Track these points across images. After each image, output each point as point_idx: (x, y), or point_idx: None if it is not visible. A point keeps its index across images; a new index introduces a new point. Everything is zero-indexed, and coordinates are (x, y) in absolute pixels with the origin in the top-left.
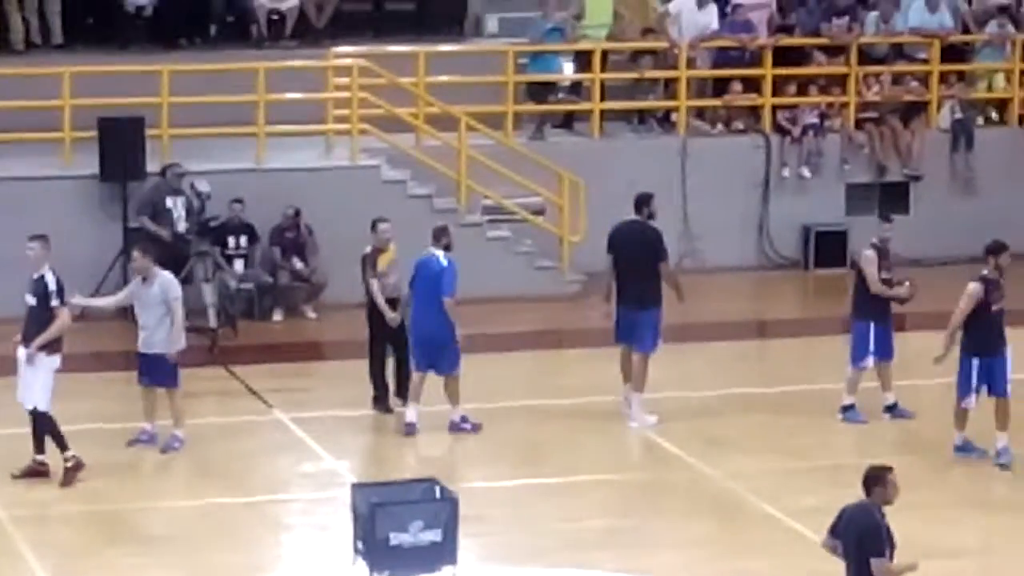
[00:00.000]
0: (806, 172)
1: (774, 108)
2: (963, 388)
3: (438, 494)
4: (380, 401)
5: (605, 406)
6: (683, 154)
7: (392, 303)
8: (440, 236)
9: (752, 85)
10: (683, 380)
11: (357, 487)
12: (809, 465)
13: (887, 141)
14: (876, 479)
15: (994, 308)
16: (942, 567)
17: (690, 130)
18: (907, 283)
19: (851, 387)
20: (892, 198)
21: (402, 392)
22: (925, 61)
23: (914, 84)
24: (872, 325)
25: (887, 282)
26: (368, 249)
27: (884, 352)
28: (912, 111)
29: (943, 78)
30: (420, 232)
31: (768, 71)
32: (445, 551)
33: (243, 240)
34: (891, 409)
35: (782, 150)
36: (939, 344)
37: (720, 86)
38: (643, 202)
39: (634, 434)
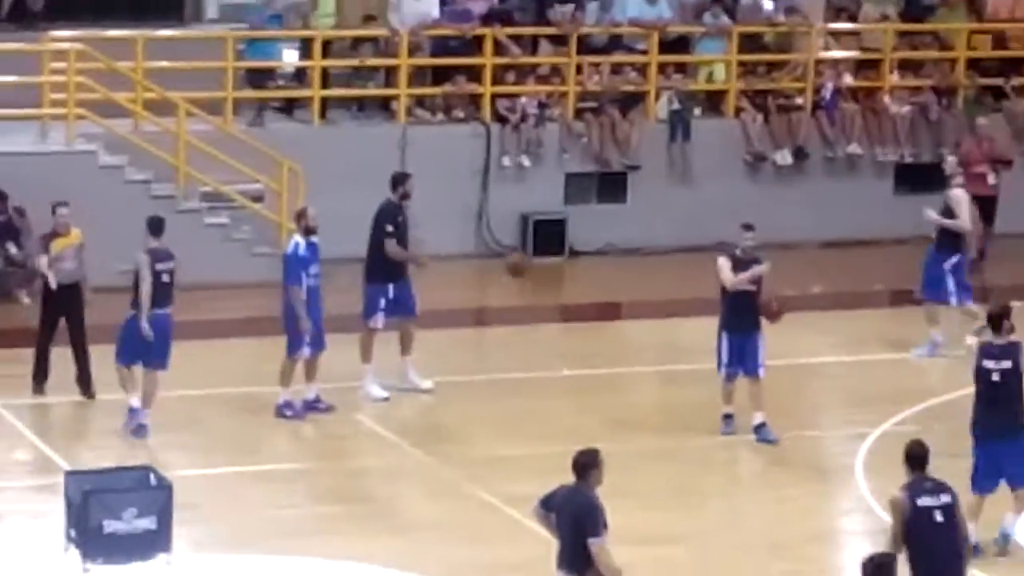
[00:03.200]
0: (526, 161)
1: (494, 97)
2: (720, 363)
3: (152, 482)
4: (37, 381)
5: (325, 393)
6: (403, 142)
7: (68, 289)
8: (298, 219)
9: (472, 74)
10: (401, 368)
11: (70, 475)
12: (527, 452)
13: (606, 131)
14: (588, 463)
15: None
16: (656, 554)
17: (411, 118)
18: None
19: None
20: (610, 187)
21: (83, 378)
22: (644, 52)
23: (633, 75)
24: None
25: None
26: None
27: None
28: (631, 101)
29: (661, 69)
30: (137, 218)
31: (488, 60)
32: (159, 538)
33: None
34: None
35: (502, 139)
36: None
37: (440, 74)
38: (398, 182)
39: (352, 421)
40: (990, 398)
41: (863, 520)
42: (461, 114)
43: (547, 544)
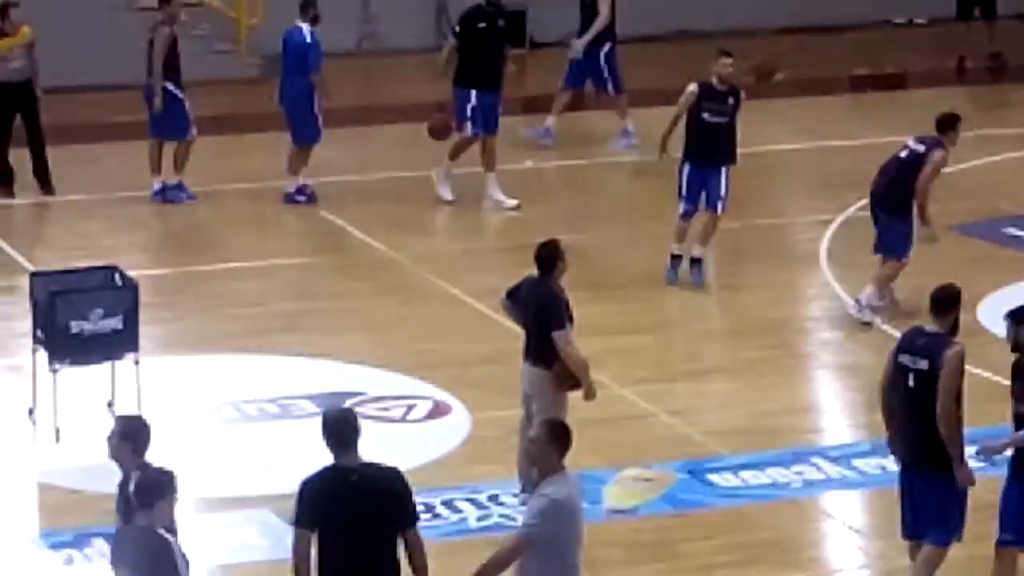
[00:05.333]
0: None
1: None
2: (680, 196)
3: (118, 281)
4: (3, 182)
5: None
6: None
7: (18, 87)
8: (307, 8)
9: None
10: (365, 163)
11: (35, 276)
12: (490, 246)
13: None
14: (551, 255)
15: (706, 117)
16: (622, 344)
17: None
18: None
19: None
20: None
21: (42, 175)
22: None
23: None
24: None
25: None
26: None
27: None
28: None
29: None
30: (93, 18)
31: None
32: (126, 338)
33: None
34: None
35: None
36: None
37: None
38: (308, 4)
39: (316, 217)
40: None
41: (828, 306)
42: None
43: (515, 337)
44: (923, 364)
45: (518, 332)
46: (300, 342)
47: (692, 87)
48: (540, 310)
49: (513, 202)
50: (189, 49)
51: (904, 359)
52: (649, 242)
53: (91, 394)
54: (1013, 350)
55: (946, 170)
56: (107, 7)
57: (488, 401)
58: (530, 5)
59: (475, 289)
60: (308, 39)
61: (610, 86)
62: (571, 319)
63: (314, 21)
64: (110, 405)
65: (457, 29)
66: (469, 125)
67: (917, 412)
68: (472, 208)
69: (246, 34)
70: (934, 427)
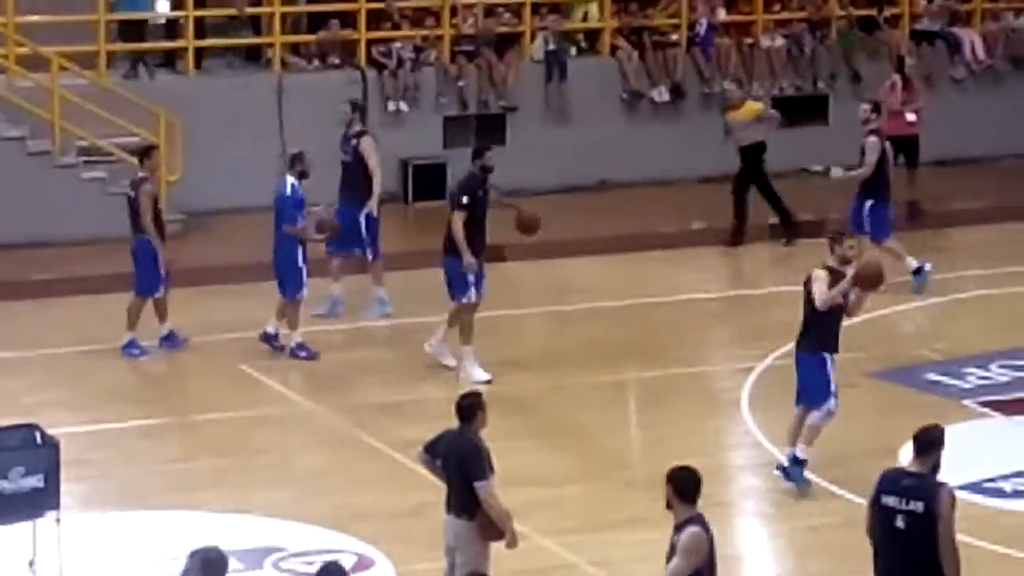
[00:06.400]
0: (403, 106)
1: (369, 42)
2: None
3: (38, 439)
4: None
5: (214, 345)
6: (280, 90)
7: None
8: (294, 163)
9: (348, 20)
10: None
11: None
12: (414, 397)
13: (483, 73)
14: (472, 405)
15: None
16: (545, 495)
17: (286, 66)
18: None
19: None
20: (489, 129)
21: None
22: None
23: (507, 16)
24: None
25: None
26: None
27: None
28: (506, 43)
29: (536, 9)
30: (13, 175)
31: (363, 5)
32: (48, 496)
33: None
34: None
35: (379, 84)
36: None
37: (315, 21)
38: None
39: (238, 372)
40: None
41: (751, 454)
42: (336, 60)
43: (436, 489)
44: (917, 506)
45: (440, 484)
46: (222, 497)
47: (822, 272)
48: (461, 461)
49: (486, 376)
50: (109, 206)
51: (890, 500)
52: (571, 391)
53: (11, 553)
54: None
55: (867, 316)
56: (28, 164)
57: (412, 554)
58: (450, 159)
59: (396, 441)
60: (288, 191)
61: (369, 251)
62: (492, 469)
63: (301, 175)
64: (31, 564)
65: (465, 200)
66: (473, 292)
67: (910, 553)
68: (392, 359)
69: (166, 190)
70: (930, 569)
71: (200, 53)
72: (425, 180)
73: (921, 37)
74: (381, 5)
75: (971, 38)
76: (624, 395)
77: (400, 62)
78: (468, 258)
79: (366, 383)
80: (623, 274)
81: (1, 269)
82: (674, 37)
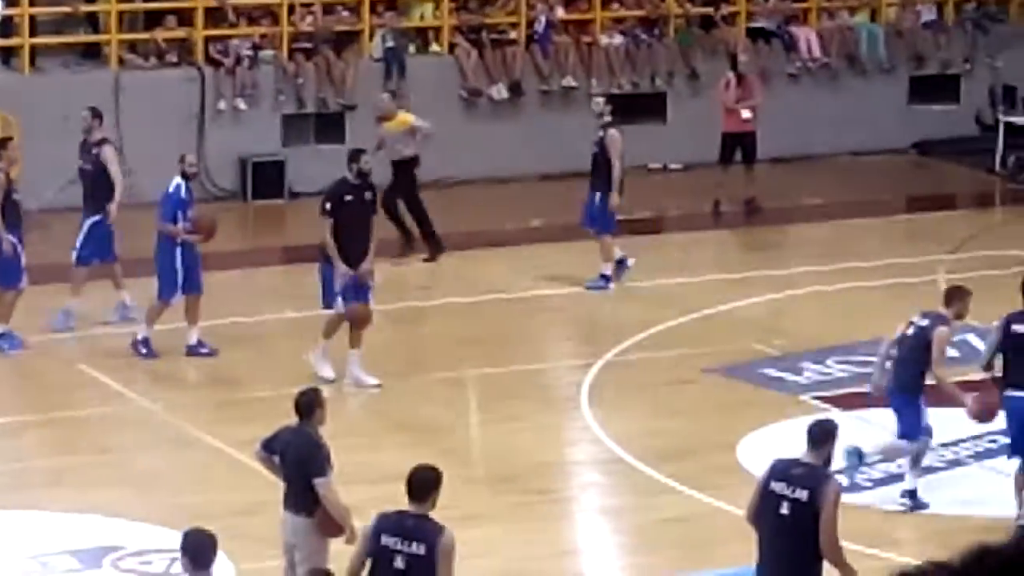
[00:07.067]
0: (241, 104)
1: (207, 40)
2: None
3: None
4: None
5: (51, 344)
6: (116, 88)
7: None
8: (182, 160)
9: (185, 17)
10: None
11: None
12: (248, 396)
13: (321, 71)
14: (311, 402)
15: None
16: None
17: (123, 64)
18: None
19: None
20: (328, 128)
21: None
22: None
23: (346, 14)
24: None
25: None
26: None
27: None
28: (345, 40)
29: (374, 7)
30: None
31: (200, 3)
32: None
33: None
34: None
35: (216, 82)
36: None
37: (152, 19)
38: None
39: (74, 370)
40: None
41: (590, 450)
42: (174, 58)
43: (274, 487)
44: (802, 494)
45: (278, 481)
46: (60, 497)
47: (945, 330)
48: (301, 458)
49: (374, 381)
50: None
51: (778, 486)
52: (411, 388)
53: None
54: None
55: (707, 311)
56: None
57: (250, 551)
58: (289, 157)
59: (234, 439)
60: (172, 189)
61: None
62: (332, 465)
63: (183, 176)
64: None
65: (328, 207)
66: (340, 302)
67: (790, 539)
68: (231, 358)
69: None
70: (807, 554)
71: (35, 51)
72: (264, 178)
73: (758, 35)
74: (217, 2)
75: (807, 36)
76: (464, 392)
77: (238, 60)
78: (342, 267)
79: (205, 382)
80: (461, 272)
81: None
82: (513, 35)
